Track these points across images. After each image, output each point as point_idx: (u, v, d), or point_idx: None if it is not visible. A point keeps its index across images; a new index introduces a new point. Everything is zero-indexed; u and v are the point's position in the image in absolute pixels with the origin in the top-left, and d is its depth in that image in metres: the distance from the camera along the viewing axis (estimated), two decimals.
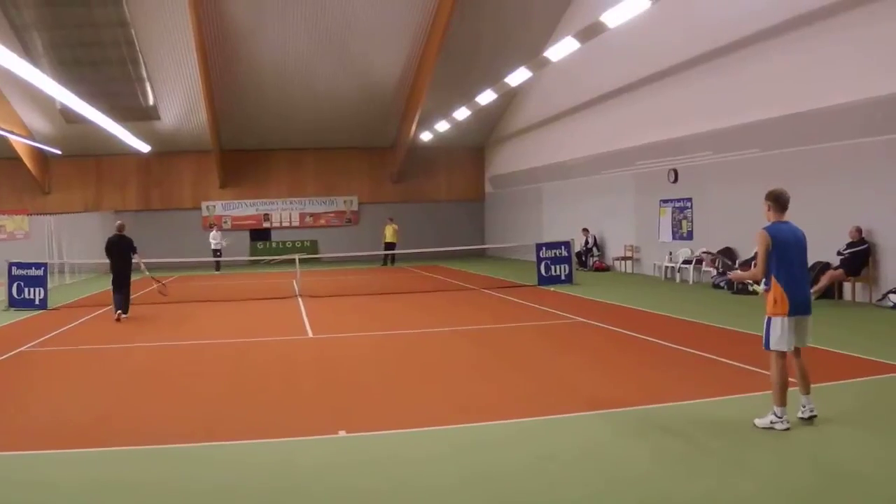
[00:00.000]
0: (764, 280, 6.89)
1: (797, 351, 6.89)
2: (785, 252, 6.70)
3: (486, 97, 25.74)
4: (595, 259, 26.00)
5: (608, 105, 24.54)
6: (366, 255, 32.31)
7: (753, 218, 7.31)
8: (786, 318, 6.66)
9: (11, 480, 6.01)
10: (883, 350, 9.91)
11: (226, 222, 35.76)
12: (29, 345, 12.73)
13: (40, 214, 29.15)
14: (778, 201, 6.92)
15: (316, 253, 35.27)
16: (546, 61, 20.96)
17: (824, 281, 14.85)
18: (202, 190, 35.72)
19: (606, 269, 25.58)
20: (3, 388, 9.51)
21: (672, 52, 20.48)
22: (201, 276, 28.86)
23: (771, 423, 6.60)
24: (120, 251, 15.99)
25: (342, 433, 6.98)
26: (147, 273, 17.29)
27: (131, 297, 16.36)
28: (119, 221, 16.77)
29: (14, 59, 14.86)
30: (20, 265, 18.36)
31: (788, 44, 16.48)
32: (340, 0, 24.92)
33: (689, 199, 21.11)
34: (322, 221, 36.80)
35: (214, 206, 35.85)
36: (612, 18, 16.06)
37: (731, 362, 9.58)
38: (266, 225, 36.49)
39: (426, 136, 33.38)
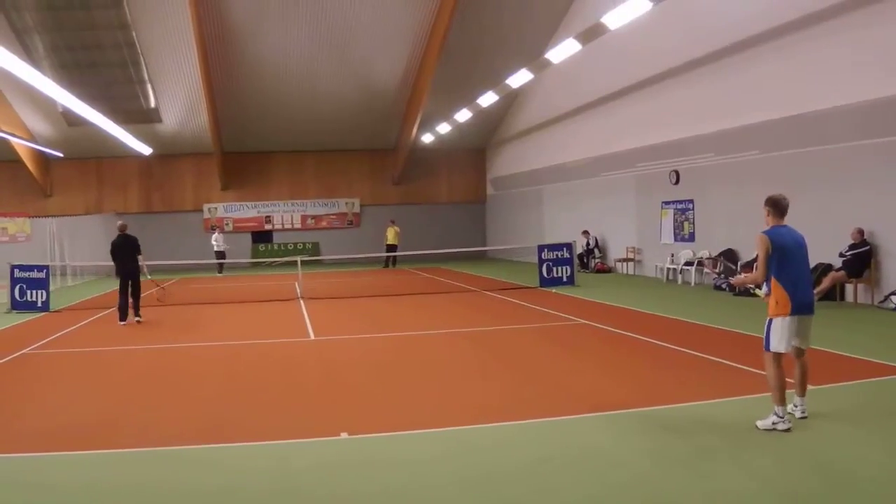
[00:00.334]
0: (765, 283, 6.92)
1: (800, 352, 6.93)
2: (785, 254, 6.75)
3: (488, 99, 25.74)
4: (596, 261, 25.98)
5: (609, 107, 24.54)
6: (367, 257, 32.35)
7: (755, 219, 7.33)
8: (787, 318, 6.70)
9: (13, 482, 6.01)
10: (884, 352, 9.90)
11: (227, 224, 35.77)
12: (31, 347, 12.74)
13: (42, 217, 29.19)
14: (777, 207, 7.00)
15: (317, 255, 35.29)
16: (547, 63, 20.96)
17: (826, 283, 14.83)
18: (203, 192, 35.74)
19: (608, 270, 25.58)
20: (5, 390, 9.52)
21: (673, 54, 20.48)
22: (203, 279, 28.89)
23: (773, 423, 6.61)
24: (126, 252, 15.52)
25: (344, 435, 6.97)
26: (148, 276, 17.04)
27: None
28: (120, 222, 16.32)
29: (15, 62, 14.88)
30: (22, 268, 18.40)
31: (789, 46, 16.47)
32: (341, 2, 24.95)
33: (691, 201, 21.10)
34: (324, 223, 36.83)
35: (216, 209, 35.87)
36: (613, 20, 16.06)
37: (732, 364, 9.57)
38: (268, 227, 36.52)
39: (427, 138, 33.39)
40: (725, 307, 15.61)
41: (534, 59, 22.15)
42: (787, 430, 6.54)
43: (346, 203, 37.00)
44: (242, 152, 35.08)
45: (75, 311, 18.21)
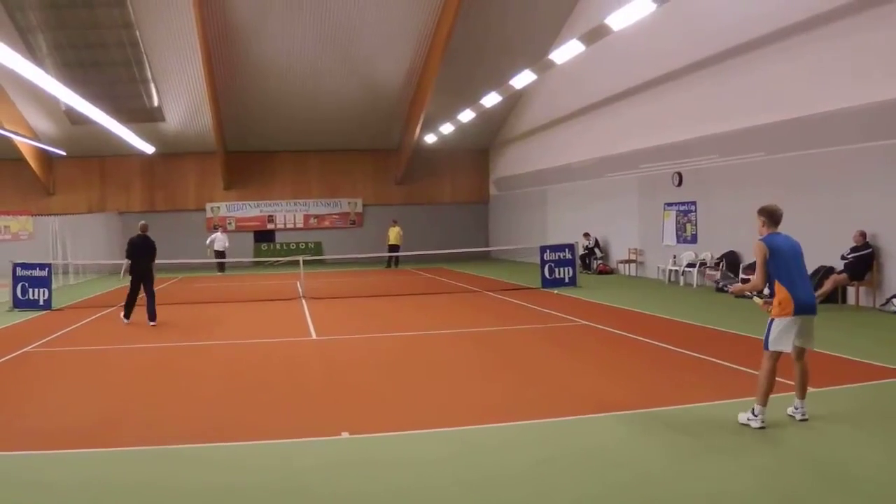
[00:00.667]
0: (767, 289, 7.05)
1: (801, 353, 6.99)
2: (783, 258, 6.91)
3: (491, 100, 25.75)
4: (598, 262, 25.97)
5: (613, 108, 24.53)
6: (370, 256, 32.35)
7: (757, 222, 7.36)
8: (790, 319, 6.80)
9: (14, 481, 6.02)
10: (885, 355, 9.89)
11: (230, 224, 35.79)
12: (33, 345, 12.76)
13: (44, 215, 29.20)
14: (772, 217, 7.15)
15: (320, 255, 35.28)
16: (551, 64, 20.97)
17: (828, 285, 14.82)
18: (206, 191, 35.77)
19: (610, 272, 25.56)
20: (6, 388, 9.53)
21: (677, 55, 20.47)
22: (205, 278, 28.91)
23: (748, 419, 6.82)
24: (144, 254, 15.34)
25: (345, 434, 6.97)
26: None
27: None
28: (142, 222, 16.03)
29: (19, 61, 14.91)
30: (25, 266, 18.41)
31: (793, 48, 16.46)
32: (345, 2, 24.96)
33: (694, 203, 21.09)
34: (326, 223, 36.83)
35: (219, 208, 35.89)
36: (617, 21, 16.08)
37: (733, 366, 9.57)
38: (270, 226, 36.53)
39: (430, 139, 33.39)
40: (727, 309, 15.58)
41: (537, 59, 22.14)
42: (760, 428, 6.67)
43: (349, 203, 37.01)
44: (245, 152, 35.09)
45: (77, 310, 18.23)
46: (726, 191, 19.48)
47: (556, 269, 21.04)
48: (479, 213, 38.30)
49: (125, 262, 15.43)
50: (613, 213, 25.59)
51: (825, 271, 15.28)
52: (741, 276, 17.90)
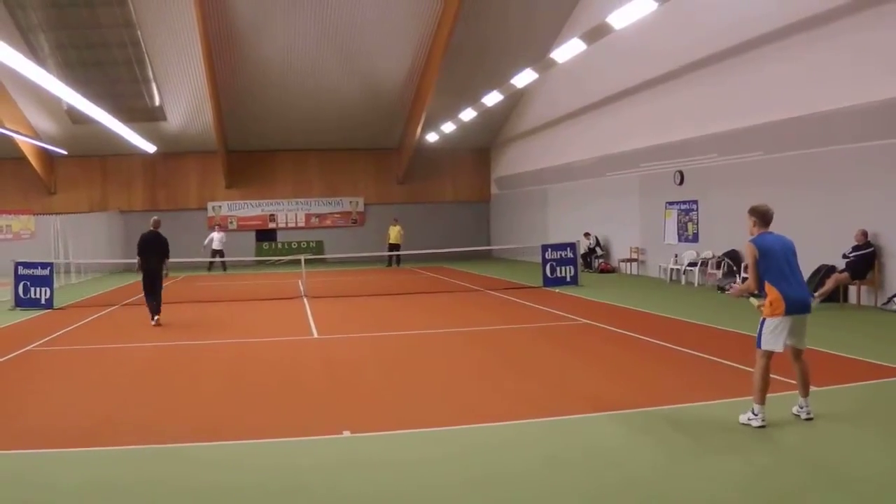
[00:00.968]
0: (757, 290, 7.09)
1: (798, 353, 6.99)
2: (773, 257, 6.93)
3: (492, 98, 25.74)
4: (600, 261, 25.97)
5: (614, 107, 24.52)
6: (371, 255, 32.33)
7: (748, 222, 7.38)
8: (781, 318, 6.81)
9: (15, 479, 6.03)
10: (887, 353, 9.88)
11: (231, 223, 35.81)
12: (34, 344, 12.77)
13: (46, 214, 29.21)
14: (763, 217, 7.24)
15: (321, 254, 35.28)
16: (552, 63, 20.95)
17: (829, 284, 14.81)
18: (208, 190, 35.78)
19: (611, 270, 25.56)
20: (8, 387, 9.55)
21: (677, 54, 20.46)
22: (207, 277, 28.93)
23: (748, 419, 6.82)
24: (154, 250, 14.94)
25: (346, 433, 6.98)
26: (166, 274, 15.70)
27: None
28: (155, 217, 15.66)
29: (20, 60, 14.91)
30: (26, 265, 18.41)
31: (794, 47, 16.44)
32: (346, 1, 24.94)
33: (695, 202, 21.08)
34: (328, 222, 36.83)
35: (220, 207, 35.90)
36: (618, 20, 16.07)
37: (734, 365, 9.58)
38: (272, 225, 36.53)
39: (432, 138, 33.37)
40: (728, 308, 15.56)
41: (539, 58, 22.14)
42: (761, 427, 6.68)
43: (350, 202, 37.00)
44: (247, 151, 35.10)
45: (79, 309, 18.24)
46: (728, 189, 19.46)
47: (558, 268, 21.04)
48: (480, 212, 38.29)
49: (137, 259, 15.06)
50: (615, 211, 25.58)
51: (826, 270, 15.27)
52: (742, 274, 17.89)
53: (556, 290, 19.83)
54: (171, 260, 15.39)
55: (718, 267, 19.31)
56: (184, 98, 29.82)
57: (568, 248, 21.27)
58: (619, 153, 24.08)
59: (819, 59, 15.79)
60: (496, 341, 12.42)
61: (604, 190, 26.06)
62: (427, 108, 29.73)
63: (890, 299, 14.41)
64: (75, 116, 29.02)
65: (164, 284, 15.35)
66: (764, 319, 6.92)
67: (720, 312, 14.74)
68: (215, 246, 31.44)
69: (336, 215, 36.93)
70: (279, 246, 36.17)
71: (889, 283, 14.64)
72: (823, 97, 15.57)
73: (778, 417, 6.87)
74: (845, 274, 14.80)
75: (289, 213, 36.58)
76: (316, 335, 13.65)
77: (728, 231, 19.30)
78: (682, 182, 21.62)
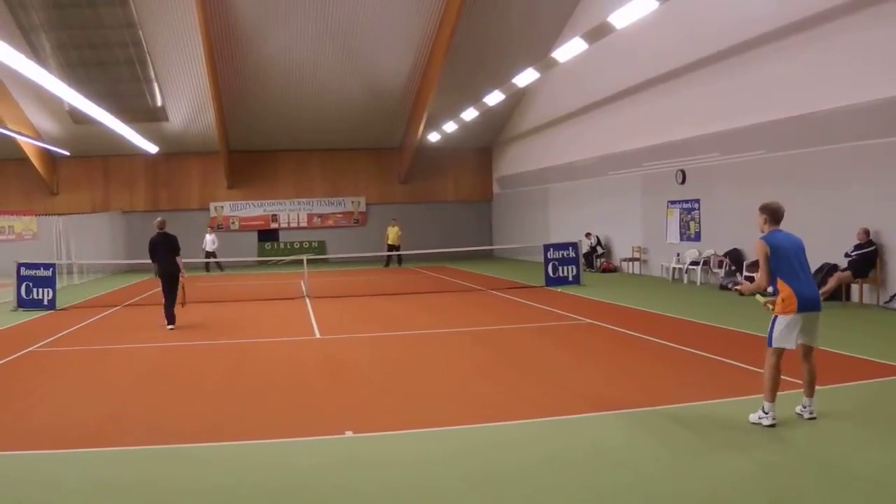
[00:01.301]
0: (771, 286, 7.04)
1: (808, 351, 6.98)
2: (784, 255, 6.90)
3: (494, 98, 25.75)
4: (601, 260, 25.96)
5: (615, 106, 24.51)
6: (373, 255, 32.34)
7: (759, 219, 7.36)
8: (793, 316, 6.78)
9: (18, 480, 6.05)
10: (890, 352, 9.87)
11: (233, 223, 35.85)
12: (37, 345, 12.79)
13: (48, 215, 29.26)
14: (774, 215, 7.13)
15: (324, 254, 35.32)
16: (553, 62, 20.96)
17: (832, 283, 14.80)
18: (210, 190, 35.80)
19: (613, 270, 25.56)
20: (11, 387, 9.56)
21: (679, 53, 20.45)
22: (208, 277, 28.96)
23: (759, 418, 6.80)
24: (165, 251, 14.62)
25: (348, 433, 6.99)
26: (183, 275, 15.17)
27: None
28: (159, 219, 15.39)
29: (22, 61, 14.93)
30: (29, 266, 18.45)
31: (795, 46, 16.43)
32: (348, 1, 24.95)
33: (697, 201, 21.07)
34: (330, 222, 36.85)
35: (222, 207, 35.93)
36: (620, 19, 16.08)
37: (737, 363, 9.57)
38: (274, 226, 36.55)
39: (434, 137, 33.38)
40: (731, 307, 15.57)
41: (540, 58, 22.14)
42: (772, 426, 6.66)
43: (352, 202, 37.02)
44: (249, 151, 35.14)
45: (81, 309, 18.26)
46: (730, 188, 19.45)
47: (560, 268, 21.04)
48: (482, 211, 38.30)
49: (154, 266, 14.79)
50: (617, 211, 25.57)
51: (829, 269, 15.26)
52: (744, 273, 17.88)
53: (559, 290, 19.83)
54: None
55: (720, 266, 19.30)
56: (186, 98, 29.85)
57: (570, 248, 21.27)
58: (621, 152, 24.07)
59: (819, 58, 15.79)
60: (498, 341, 12.42)
61: (606, 189, 26.05)
62: (429, 107, 29.73)
63: (892, 297, 14.41)
64: (77, 117, 29.05)
65: (181, 283, 14.84)
66: (776, 317, 6.90)
67: (722, 311, 14.74)
68: (207, 248, 31.49)
69: (338, 215, 36.94)
70: (281, 246, 36.19)
71: (891, 281, 14.63)
72: (824, 96, 15.56)
73: (782, 416, 6.85)
74: (847, 272, 14.79)
75: (291, 213, 36.60)
76: (318, 335, 13.66)
77: (730, 230, 19.29)
78: (683, 181, 21.61)
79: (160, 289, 14.87)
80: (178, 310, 14.74)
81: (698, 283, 20.09)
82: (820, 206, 15.82)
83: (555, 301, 17.46)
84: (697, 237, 21.09)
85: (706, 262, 20.12)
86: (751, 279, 15.36)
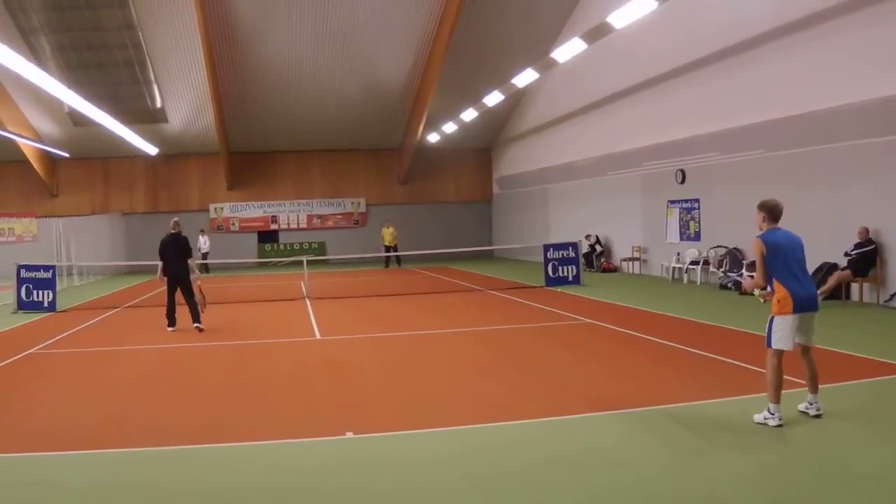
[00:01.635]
0: (768, 285, 7.02)
1: (806, 350, 6.99)
2: (781, 253, 6.88)
3: (493, 98, 25.76)
4: (601, 260, 25.96)
5: (615, 106, 24.52)
6: (373, 256, 32.35)
7: (757, 217, 7.36)
8: (790, 317, 6.78)
9: (19, 482, 6.05)
10: (890, 351, 9.88)
11: (233, 224, 35.85)
12: (38, 347, 12.79)
13: (48, 217, 29.28)
14: (772, 213, 7.11)
15: (324, 255, 35.32)
16: (553, 62, 20.96)
17: (832, 282, 14.81)
18: (210, 192, 35.79)
19: (614, 270, 25.56)
20: (12, 389, 9.56)
21: (678, 53, 20.45)
22: (208, 279, 28.91)
23: (765, 419, 6.78)
24: (176, 253, 14.33)
25: (349, 434, 7.00)
26: (198, 276, 15.21)
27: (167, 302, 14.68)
28: (174, 219, 15.07)
29: (21, 63, 14.93)
30: (29, 268, 18.45)
31: (794, 45, 16.44)
32: (347, 2, 24.96)
33: (697, 200, 21.08)
34: (330, 223, 36.84)
35: (222, 208, 35.94)
36: (619, 19, 16.08)
37: (737, 363, 9.57)
38: (274, 227, 36.55)
39: (433, 138, 33.40)
40: (731, 306, 15.59)
41: (539, 58, 22.14)
42: (778, 426, 6.64)
43: (352, 203, 37.02)
44: (248, 152, 35.14)
45: (82, 311, 18.27)
46: (729, 188, 19.45)
47: (560, 268, 21.05)
48: (482, 211, 38.30)
49: (159, 264, 14.50)
50: (616, 210, 25.57)
51: (828, 268, 15.27)
52: (744, 272, 17.87)
53: (559, 290, 19.84)
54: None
55: (720, 265, 19.30)
56: (185, 100, 29.86)
57: (570, 248, 21.27)
58: (621, 152, 24.08)
59: (818, 58, 15.79)
60: (498, 341, 12.42)
61: (605, 189, 26.05)
62: (428, 108, 29.74)
63: (892, 296, 14.41)
64: (77, 119, 29.06)
65: (197, 289, 14.56)
66: (772, 318, 6.88)
67: (723, 311, 14.75)
68: (203, 249, 31.51)
69: (338, 216, 36.94)
70: (281, 247, 36.19)
71: (891, 280, 14.63)
72: (824, 95, 15.56)
73: (785, 416, 6.84)
74: (847, 271, 14.79)
75: (290, 214, 36.60)
76: (318, 336, 13.66)
77: (730, 229, 19.30)
78: (683, 181, 21.62)
79: (164, 288, 14.79)
80: (183, 312, 14.54)
81: (698, 283, 20.09)
82: (819, 206, 15.82)
83: (555, 301, 17.47)
84: (697, 237, 21.09)
85: (706, 262, 20.11)
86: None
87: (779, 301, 6.83)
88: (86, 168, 34.21)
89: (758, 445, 6.28)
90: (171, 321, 14.48)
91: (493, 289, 21.02)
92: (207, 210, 35.70)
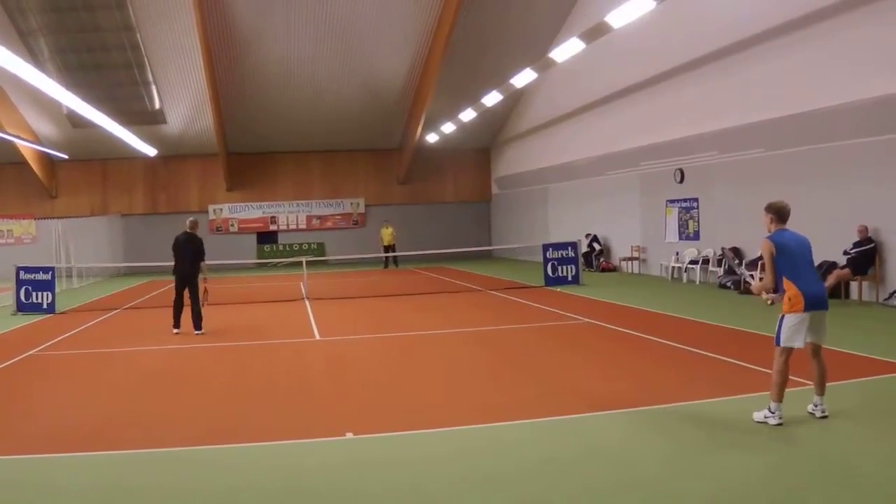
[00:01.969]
0: (776, 287, 7.06)
1: (816, 349, 7.01)
2: (790, 253, 6.90)
3: (492, 98, 25.76)
4: (600, 260, 25.96)
5: (614, 106, 24.52)
6: (373, 257, 32.35)
7: (760, 217, 7.36)
8: (801, 315, 6.80)
9: (20, 484, 6.04)
10: (890, 349, 9.89)
11: (232, 225, 35.84)
12: (37, 348, 12.79)
13: (47, 219, 29.26)
14: (780, 214, 7.14)
15: (323, 255, 35.31)
16: (551, 62, 20.96)
17: (831, 280, 14.58)
18: (209, 193, 35.78)
19: (613, 269, 25.57)
20: (11, 391, 9.56)
21: (676, 52, 20.46)
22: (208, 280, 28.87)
23: (765, 417, 6.79)
24: (188, 253, 14.14)
25: (349, 435, 7.00)
26: (206, 276, 14.71)
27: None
28: (192, 218, 14.89)
29: (20, 64, 14.91)
30: (28, 269, 18.43)
31: (793, 43, 16.44)
32: (345, 2, 24.96)
33: (696, 199, 21.09)
34: (329, 224, 36.83)
35: (221, 209, 35.92)
36: (617, 19, 16.07)
37: (737, 362, 9.57)
38: (273, 228, 36.52)
39: (432, 138, 33.39)
40: (731, 305, 15.60)
41: (538, 58, 22.15)
42: (778, 425, 6.65)
43: (351, 203, 37.01)
44: (247, 153, 35.12)
45: (81, 313, 18.25)
46: (728, 187, 19.47)
47: (559, 267, 21.05)
48: (481, 211, 38.30)
49: (174, 264, 14.32)
50: (615, 210, 25.58)
51: (828, 266, 15.25)
52: (742, 270, 17.87)
53: (558, 290, 19.84)
54: (170, 263, 14.58)
55: (719, 264, 19.31)
56: (184, 101, 29.85)
57: (569, 248, 21.28)
58: (619, 152, 24.07)
59: (817, 56, 15.80)
60: (498, 341, 12.43)
61: (604, 189, 26.06)
62: (427, 108, 29.74)
63: (892, 294, 14.42)
64: (76, 120, 29.03)
65: (202, 288, 14.31)
66: (783, 316, 6.89)
67: (722, 310, 14.76)
68: None
69: (337, 217, 36.93)
70: (280, 248, 36.16)
71: (890, 278, 14.65)
72: (823, 94, 15.56)
73: (787, 414, 6.82)
74: (847, 270, 14.79)
75: (290, 214, 36.58)
76: (318, 337, 13.66)
77: (729, 228, 19.31)
78: (682, 180, 21.63)
79: (165, 289, 14.68)
80: (183, 312, 14.39)
81: (697, 282, 20.09)
82: (819, 204, 15.81)
83: (554, 301, 17.47)
84: (696, 236, 21.10)
85: (705, 261, 20.13)
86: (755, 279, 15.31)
87: (790, 299, 6.84)
88: (85, 170, 34.19)
89: (758, 444, 6.29)
90: (177, 322, 14.26)
91: (492, 289, 21.02)
92: (206, 211, 35.66)
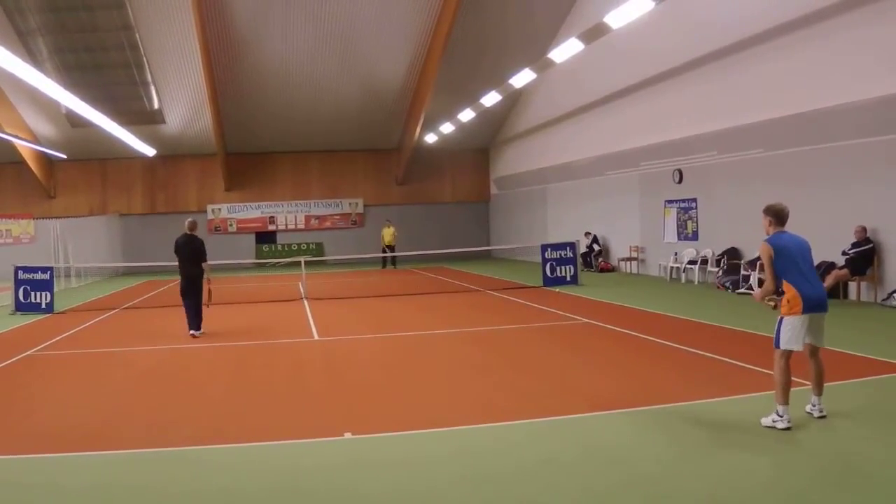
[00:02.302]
0: (776, 289, 7.05)
1: (814, 350, 7.00)
2: (789, 256, 6.89)
3: (491, 99, 25.76)
4: (599, 260, 25.97)
5: (612, 106, 24.53)
6: (371, 257, 32.35)
7: (759, 218, 7.36)
8: (800, 317, 6.79)
9: (19, 484, 6.04)
10: (888, 349, 9.90)
11: (231, 225, 35.84)
12: (35, 348, 12.78)
13: (46, 218, 29.24)
14: (778, 216, 7.13)
15: (321, 255, 35.31)
16: (550, 63, 20.96)
17: (829, 280, 14.80)
18: (207, 193, 35.77)
19: (612, 269, 25.57)
20: (9, 391, 9.56)
21: (675, 52, 20.47)
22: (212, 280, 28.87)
23: (773, 421, 6.71)
24: (189, 254, 14.02)
25: (348, 435, 6.99)
26: (210, 277, 14.41)
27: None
28: (190, 219, 14.72)
29: (19, 64, 14.90)
30: (26, 269, 18.43)
31: (792, 44, 16.46)
32: (344, 3, 24.96)
33: (694, 200, 21.09)
34: (327, 224, 36.82)
35: (220, 210, 35.90)
36: (616, 19, 16.07)
37: (736, 362, 9.57)
38: (271, 228, 36.52)
39: (431, 138, 33.39)
40: (729, 306, 15.60)
41: (537, 58, 22.15)
42: (787, 428, 6.59)
43: (350, 203, 37.00)
44: (246, 153, 35.11)
45: (80, 313, 18.24)
46: (727, 187, 19.48)
47: (558, 268, 21.05)
48: (479, 212, 38.30)
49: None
50: (614, 210, 25.58)
51: (826, 267, 15.27)
52: (742, 272, 17.89)
53: (557, 290, 19.84)
54: (172, 263, 14.40)
55: (718, 265, 19.31)
56: (183, 101, 29.84)
57: (568, 248, 21.28)
58: (618, 152, 24.08)
59: (817, 56, 15.81)
60: (497, 341, 12.42)
61: (603, 189, 26.07)
62: (426, 108, 29.74)
63: (890, 295, 14.42)
64: (74, 120, 29.02)
65: (206, 290, 14.11)
66: (781, 319, 6.89)
67: (721, 310, 14.76)
68: None
69: (336, 217, 36.92)
70: (279, 248, 36.16)
71: (889, 278, 14.66)
72: (822, 94, 15.58)
73: (791, 417, 6.83)
74: (845, 270, 14.81)
75: (288, 215, 36.58)
76: (317, 337, 13.66)
77: (728, 229, 19.31)
78: (681, 180, 21.63)
79: (163, 290, 14.66)
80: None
81: (696, 283, 20.10)
82: (817, 204, 15.82)
83: (553, 301, 17.47)
84: (695, 236, 21.11)
85: (703, 262, 20.13)
86: (756, 283, 15.36)
87: (788, 301, 6.84)
88: (83, 169, 34.18)
89: (758, 444, 6.29)
90: (192, 325, 13.98)
91: (490, 289, 21.02)
92: (205, 211, 35.65)
